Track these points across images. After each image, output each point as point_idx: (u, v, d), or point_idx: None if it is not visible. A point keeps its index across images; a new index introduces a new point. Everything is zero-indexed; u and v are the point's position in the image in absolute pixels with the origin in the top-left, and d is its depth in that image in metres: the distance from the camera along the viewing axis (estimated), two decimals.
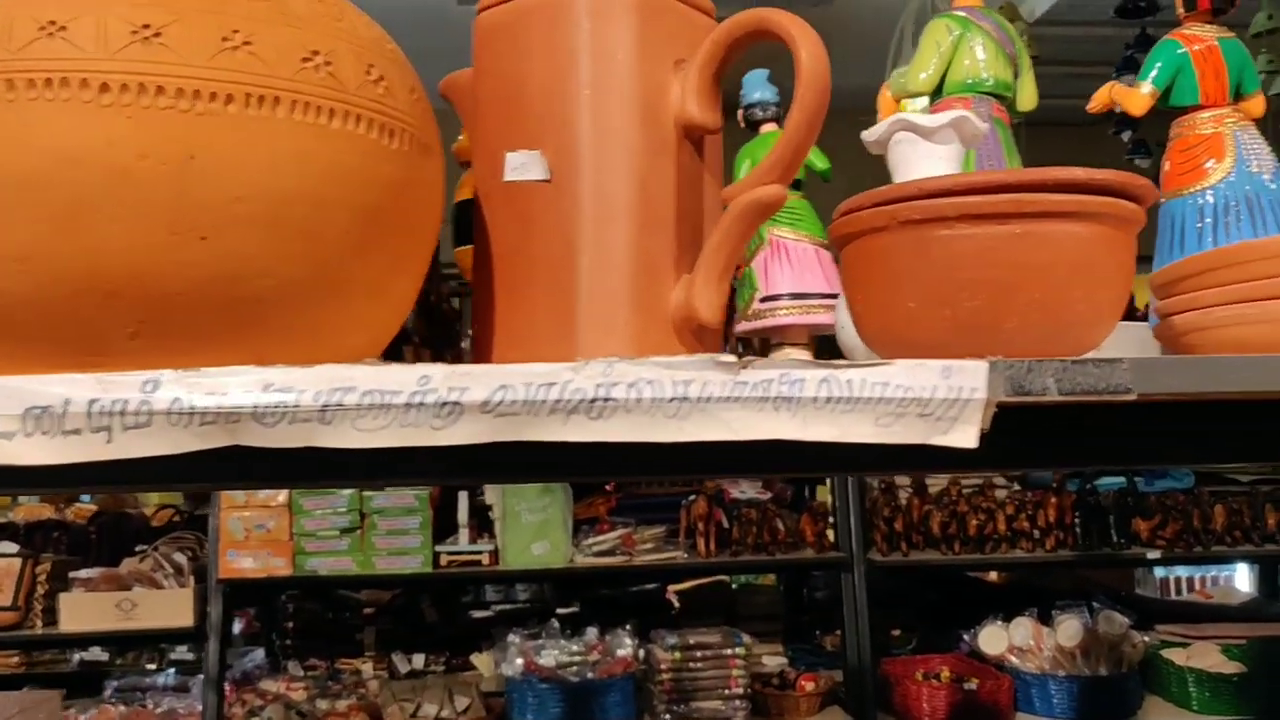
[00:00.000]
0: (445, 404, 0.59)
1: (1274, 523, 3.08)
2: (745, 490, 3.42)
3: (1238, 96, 1.28)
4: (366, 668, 3.32)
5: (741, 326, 1.26)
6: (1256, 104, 1.28)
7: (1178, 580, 4.91)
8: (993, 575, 3.76)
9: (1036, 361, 0.62)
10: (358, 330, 0.67)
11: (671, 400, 0.60)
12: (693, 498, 3.04)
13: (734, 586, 3.50)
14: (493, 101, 0.78)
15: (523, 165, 0.74)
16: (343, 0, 0.65)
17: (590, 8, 0.74)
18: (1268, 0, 3.25)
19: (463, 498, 2.97)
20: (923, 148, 0.89)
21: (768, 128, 1.32)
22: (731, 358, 0.61)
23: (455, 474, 0.70)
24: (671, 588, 3.63)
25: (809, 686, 2.96)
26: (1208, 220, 1.23)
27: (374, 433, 0.59)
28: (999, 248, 0.66)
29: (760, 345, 1.32)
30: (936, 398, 0.61)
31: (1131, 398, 0.63)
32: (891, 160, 0.91)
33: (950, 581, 3.64)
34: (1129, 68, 3.33)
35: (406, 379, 0.59)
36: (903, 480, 3.13)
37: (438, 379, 0.59)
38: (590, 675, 2.89)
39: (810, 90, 0.70)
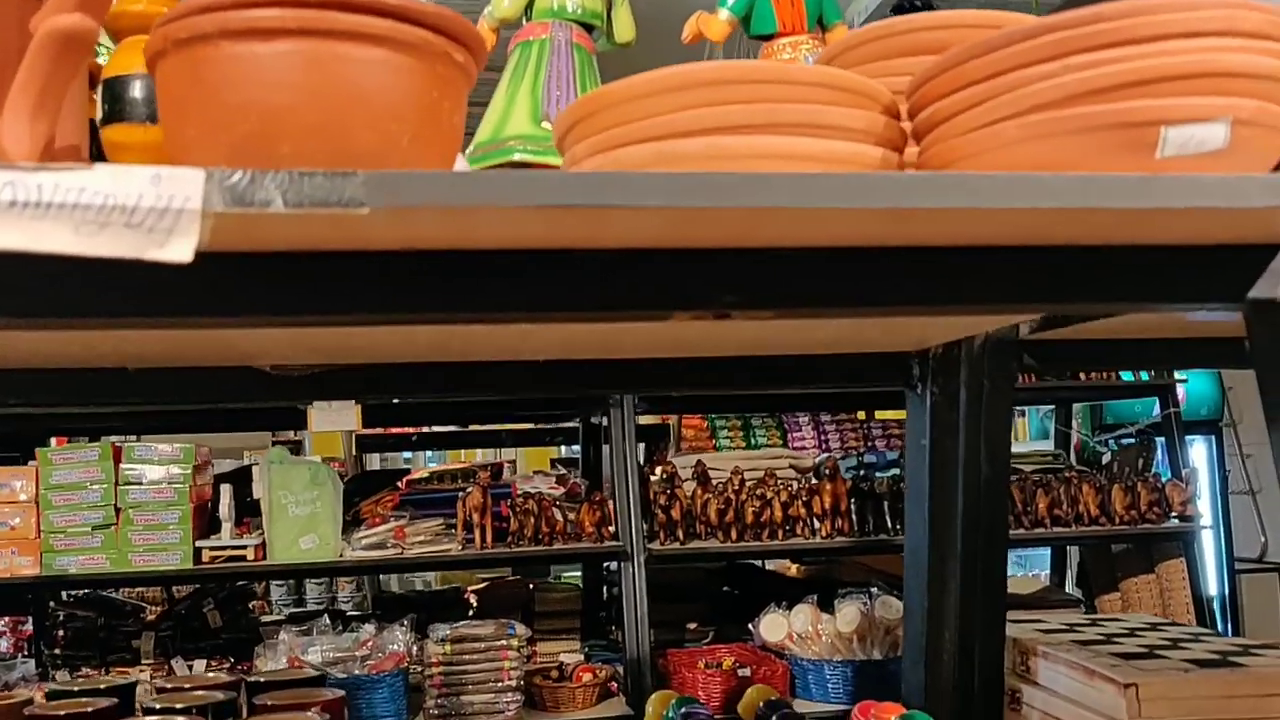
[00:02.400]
0: None
1: (1043, 508, 3.15)
2: (538, 486, 3.38)
3: (822, 27, 1.30)
4: (144, 676, 3.18)
5: None
6: (839, 34, 1.30)
7: None
8: (793, 569, 3.78)
9: (260, 172, 0.60)
10: None
11: None
12: (468, 490, 2.98)
13: (530, 586, 3.44)
14: None
15: None
16: None
17: None
18: None
19: (225, 491, 2.87)
20: None
21: None
22: None
23: None
24: (470, 587, 3.57)
25: (586, 677, 2.92)
26: None
27: None
28: (266, 68, 0.64)
29: None
30: (144, 206, 0.58)
31: (364, 212, 0.61)
32: None
33: (748, 573, 3.65)
34: None
35: None
36: (685, 470, 3.13)
37: None
38: (358, 671, 2.81)
39: None
